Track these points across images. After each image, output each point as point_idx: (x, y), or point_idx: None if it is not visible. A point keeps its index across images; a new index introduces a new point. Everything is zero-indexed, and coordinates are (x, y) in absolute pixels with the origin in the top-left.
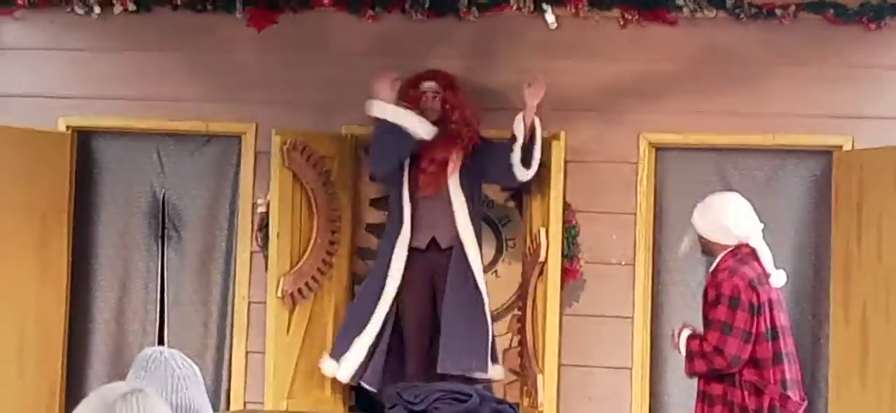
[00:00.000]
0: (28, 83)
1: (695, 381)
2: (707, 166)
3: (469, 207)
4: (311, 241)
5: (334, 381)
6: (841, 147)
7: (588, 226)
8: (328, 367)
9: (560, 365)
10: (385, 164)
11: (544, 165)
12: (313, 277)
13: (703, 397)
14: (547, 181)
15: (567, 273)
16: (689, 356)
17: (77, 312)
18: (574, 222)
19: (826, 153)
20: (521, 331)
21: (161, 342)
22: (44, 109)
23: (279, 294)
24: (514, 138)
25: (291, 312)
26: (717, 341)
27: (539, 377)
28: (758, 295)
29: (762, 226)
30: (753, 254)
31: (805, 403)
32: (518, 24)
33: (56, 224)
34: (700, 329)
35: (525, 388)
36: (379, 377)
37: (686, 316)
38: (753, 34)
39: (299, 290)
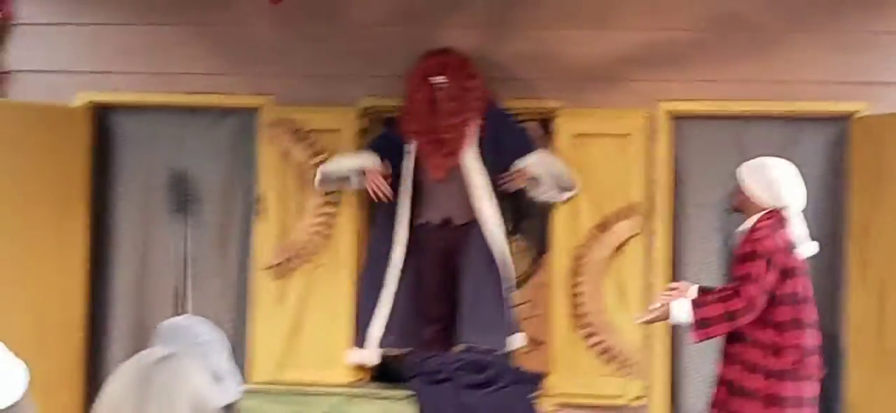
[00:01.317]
0: (44, 58)
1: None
2: (724, 134)
3: (488, 182)
4: (301, 213)
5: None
6: (858, 113)
7: None
8: (353, 356)
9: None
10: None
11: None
12: (304, 248)
13: (723, 356)
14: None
15: None
16: (702, 324)
17: (97, 288)
18: None
19: (843, 119)
20: (579, 303)
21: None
22: (60, 85)
23: (265, 266)
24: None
25: (284, 284)
26: (741, 286)
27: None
28: (791, 259)
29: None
30: (785, 221)
31: (822, 373)
32: None
33: (74, 200)
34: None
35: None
36: (399, 338)
37: (705, 281)
38: (769, 1)
39: (287, 261)
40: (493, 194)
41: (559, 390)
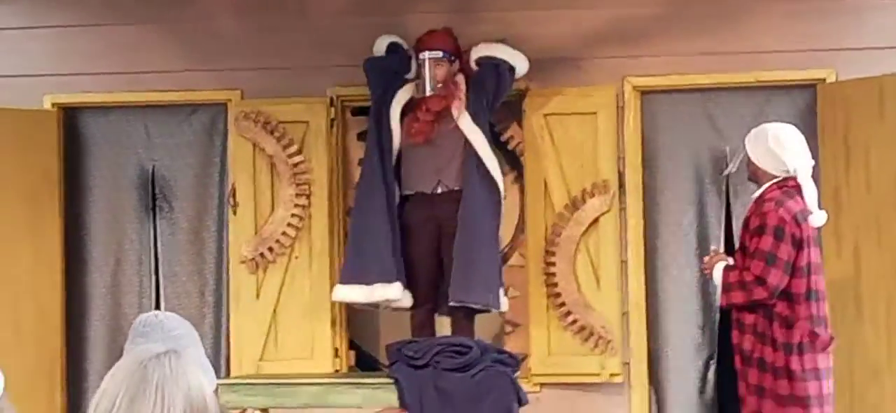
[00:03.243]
0: (12, 63)
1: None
2: (692, 108)
3: (485, 140)
4: (273, 206)
5: (329, 342)
6: (825, 80)
7: None
8: (342, 293)
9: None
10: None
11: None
12: (277, 241)
13: (738, 325)
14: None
15: None
16: (727, 287)
17: (73, 289)
18: None
19: (810, 87)
20: (553, 283)
21: None
22: (29, 88)
23: (241, 260)
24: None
25: (260, 277)
26: (760, 271)
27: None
28: (801, 229)
29: (813, 163)
30: (798, 189)
31: (833, 342)
32: None
33: (47, 203)
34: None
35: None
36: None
37: (679, 260)
38: None
39: (261, 255)
40: (491, 153)
41: (538, 370)
